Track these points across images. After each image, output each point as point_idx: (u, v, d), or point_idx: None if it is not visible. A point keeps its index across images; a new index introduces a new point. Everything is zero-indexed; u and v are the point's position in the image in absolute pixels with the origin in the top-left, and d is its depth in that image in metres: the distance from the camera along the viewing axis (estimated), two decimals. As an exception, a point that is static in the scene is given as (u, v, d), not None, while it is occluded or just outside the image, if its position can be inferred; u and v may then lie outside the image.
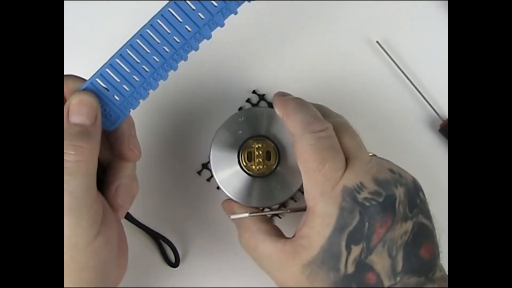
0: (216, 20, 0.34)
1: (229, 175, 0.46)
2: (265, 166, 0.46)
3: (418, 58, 0.49)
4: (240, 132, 0.45)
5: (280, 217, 0.48)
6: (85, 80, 0.35)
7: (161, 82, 0.48)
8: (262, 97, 0.48)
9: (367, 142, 0.48)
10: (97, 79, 0.34)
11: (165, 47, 0.34)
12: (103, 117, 0.35)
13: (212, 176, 0.46)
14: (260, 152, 0.46)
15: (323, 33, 0.50)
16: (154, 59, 0.34)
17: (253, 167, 0.46)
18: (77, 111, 0.33)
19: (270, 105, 0.48)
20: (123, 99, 0.35)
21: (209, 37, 0.33)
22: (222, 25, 0.34)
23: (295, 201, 0.47)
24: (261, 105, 0.49)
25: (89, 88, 0.34)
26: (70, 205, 0.32)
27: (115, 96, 0.35)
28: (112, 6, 0.50)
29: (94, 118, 0.34)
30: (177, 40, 0.34)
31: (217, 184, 0.46)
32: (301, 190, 0.47)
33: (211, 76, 0.49)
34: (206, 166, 0.48)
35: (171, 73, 0.48)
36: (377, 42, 0.49)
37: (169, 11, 0.33)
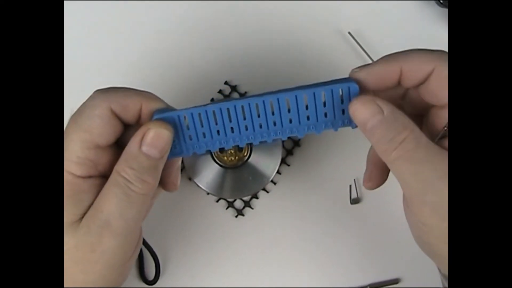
0: (317, 127, 0.35)
1: (201, 166, 0.46)
2: (237, 158, 0.47)
3: (390, 48, 0.50)
4: (212, 123, 0.46)
5: (252, 208, 0.48)
6: (163, 102, 0.35)
7: (134, 72, 0.49)
8: (234, 88, 0.49)
9: (338, 135, 0.49)
10: (185, 115, 0.34)
11: (261, 123, 0.34)
12: None
13: (184, 167, 0.46)
14: (232, 143, 0.46)
15: (295, 24, 0.50)
16: (245, 126, 0.35)
17: (225, 158, 0.47)
18: (151, 142, 0.33)
19: (242, 96, 0.49)
20: (195, 142, 0.35)
21: (300, 137, 0.35)
22: (318, 133, 0.35)
23: (267, 192, 0.48)
24: (233, 96, 0.49)
25: (172, 118, 0.34)
26: (121, 229, 0.33)
27: (190, 136, 0.35)
28: (111, 6, 0.51)
29: (165, 152, 0.34)
30: (275, 123, 0.35)
31: (189, 175, 0.46)
32: (273, 181, 0.47)
33: (183, 67, 0.50)
34: (178, 157, 0.48)
35: (143, 65, 0.49)
36: (349, 33, 0.49)
37: (285, 98, 0.34)
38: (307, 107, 0.34)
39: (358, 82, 0.34)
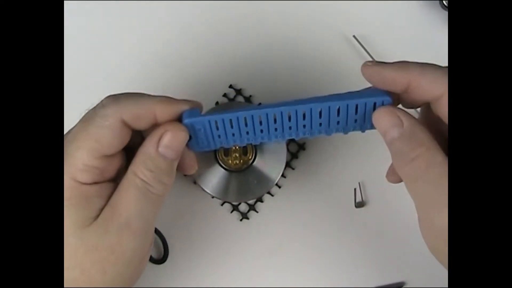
0: (328, 131, 0.36)
1: (206, 170, 0.46)
2: (241, 161, 0.47)
3: (395, 51, 0.50)
4: (217, 126, 0.45)
5: (257, 212, 0.48)
6: (182, 103, 0.35)
7: (138, 76, 0.49)
8: (238, 91, 0.49)
9: (343, 139, 0.48)
10: (216, 120, 0.35)
11: (276, 128, 0.36)
12: (195, 139, 0.36)
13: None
14: (237, 147, 0.46)
15: (300, 28, 0.50)
16: (260, 130, 0.36)
17: (230, 161, 0.47)
18: (168, 144, 0.34)
19: (247, 99, 0.49)
20: (224, 140, 0.36)
21: (311, 136, 0.36)
22: (329, 135, 0.37)
23: (272, 195, 0.48)
24: (238, 99, 0.49)
25: (202, 123, 0.35)
26: (140, 230, 0.33)
27: (220, 136, 0.36)
28: (114, 10, 0.51)
29: (180, 154, 0.35)
30: (290, 128, 0.36)
31: (194, 178, 0.46)
32: (278, 185, 0.47)
33: (188, 70, 0.50)
34: (182, 161, 0.48)
35: (147, 69, 0.49)
36: (354, 36, 0.49)
37: (303, 111, 0.35)
38: (338, 113, 0.35)
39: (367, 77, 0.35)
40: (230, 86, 0.49)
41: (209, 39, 0.50)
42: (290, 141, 0.49)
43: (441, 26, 0.50)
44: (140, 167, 0.33)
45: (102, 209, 0.33)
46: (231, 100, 0.49)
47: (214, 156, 0.47)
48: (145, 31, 0.50)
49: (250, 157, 0.47)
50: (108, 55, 0.50)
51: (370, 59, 0.49)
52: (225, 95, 0.49)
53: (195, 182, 0.47)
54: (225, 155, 0.47)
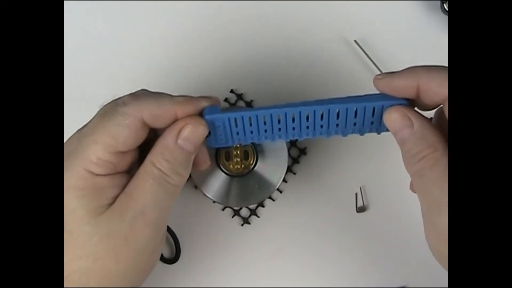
0: (344, 133, 0.37)
1: (207, 174, 0.46)
2: (243, 166, 0.46)
3: (396, 56, 0.50)
4: (218, 131, 0.45)
5: (258, 216, 0.47)
6: (202, 101, 0.36)
7: (140, 80, 0.49)
8: (240, 96, 0.49)
9: (344, 144, 0.48)
10: (235, 117, 0.36)
11: (294, 127, 0.36)
12: (214, 135, 0.36)
13: (190, 176, 0.45)
14: (238, 152, 0.46)
15: (301, 33, 0.50)
16: (278, 128, 0.36)
17: (231, 166, 0.46)
18: (187, 137, 0.34)
19: (248, 104, 0.48)
20: (242, 137, 0.37)
21: (327, 136, 0.37)
22: (345, 135, 0.37)
23: (273, 200, 0.47)
24: (239, 104, 0.49)
25: (222, 119, 0.35)
26: (155, 219, 0.34)
27: (238, 133, 0.36)
28: (117, 14, 0.51)
29: (198, 147, 0.35)
30: (307, 127, 0.36)
31: (195, 183, 0.45)
32: (279, 190, 0.47)
33: (189, 75, 0.50)
34: (183, 165, 0.48)
35: (148, 72, 0.49)
36: (355, 41, 0.49)
37: (321, 112, 0.35)
38: (355, 115, 0.35)
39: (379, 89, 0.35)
40: (232, 91, 0.49)
41: (209, 43, 0.50)
42: (292, 146, 0.49)
43: (442, 29, 0.51)
44: (158, 157, 0.34)
45: (115, 198, 0.33)
46: (232, 104, 0.49)
47: (215, 160, 0.46)
48: (145, 35, 0.50)
49: (251, 162, 0.46)
50: (108, 56, 0.50)
51: (371, 63, 0.49)
52: (226, 99, 0.49)
53: (196, 187, 0.46)
54: (226, 159, 0.46)
